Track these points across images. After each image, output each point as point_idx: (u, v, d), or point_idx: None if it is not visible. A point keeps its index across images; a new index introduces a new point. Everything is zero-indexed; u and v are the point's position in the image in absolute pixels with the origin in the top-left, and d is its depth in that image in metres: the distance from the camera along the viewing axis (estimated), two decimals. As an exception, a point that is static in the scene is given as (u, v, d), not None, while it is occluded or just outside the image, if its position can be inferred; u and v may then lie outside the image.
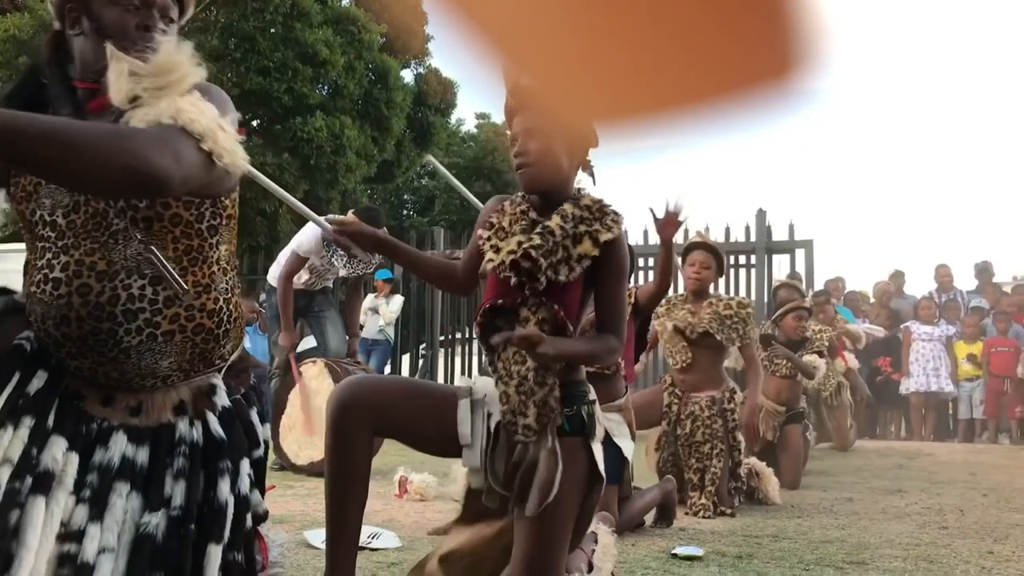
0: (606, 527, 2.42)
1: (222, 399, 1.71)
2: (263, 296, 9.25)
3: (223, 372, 1.74)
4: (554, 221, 1.96)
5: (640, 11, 0.65)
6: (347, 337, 5.74)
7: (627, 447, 3.39)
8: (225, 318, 1.67)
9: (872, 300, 10.16)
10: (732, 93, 0.69)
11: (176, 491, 1.59)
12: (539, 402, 1.90)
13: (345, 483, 1.96)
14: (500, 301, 1.97)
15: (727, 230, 10.20)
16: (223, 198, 1.66)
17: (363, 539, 2.70)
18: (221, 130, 1.53)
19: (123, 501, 1.55)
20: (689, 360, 4.19)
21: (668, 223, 3.45)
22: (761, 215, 9.97)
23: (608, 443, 3.34)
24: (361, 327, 8.47)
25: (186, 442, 1.63)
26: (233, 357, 1.75)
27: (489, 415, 1.98)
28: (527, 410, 1.90)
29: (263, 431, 1.79)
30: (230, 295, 1.69)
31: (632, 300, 3.55)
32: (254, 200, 14.13)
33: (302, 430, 5.06)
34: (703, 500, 3.93)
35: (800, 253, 9.83)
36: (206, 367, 1.68)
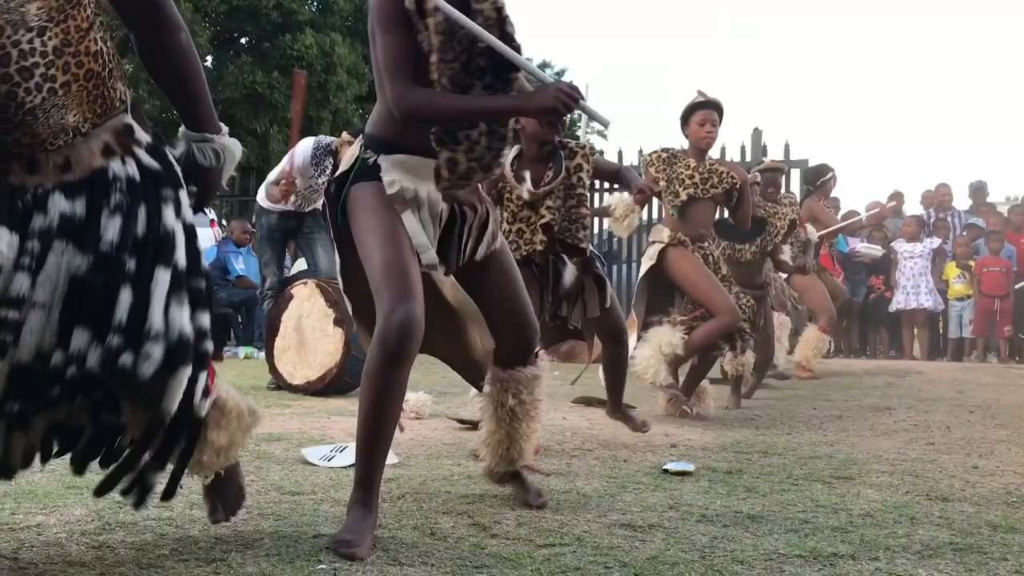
0: None
1: (143, 135, 1.66)
2: (255, 218, 9.22)
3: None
4: None
5: None
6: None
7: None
8: (107, 58, 1.60)
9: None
10: None
11: (110, 226, 1.55)
12: None
13: (389, 413, 2.00)
14: None
15: (723, 149, 10.10)
16: None
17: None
18: None
19: (57, 257, 1.52)
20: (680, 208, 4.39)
21: None
22: (757, 134, 9.87)
23: None
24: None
25: (121, 179, 1.59)
26: (129, 99, 1.68)
27: (419, 208, 2.13)
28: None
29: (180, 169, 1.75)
30: (107, 35, 1.61)
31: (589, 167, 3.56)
32: (244, 120, 13.92)
33: (296, 351, 5.10)
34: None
35: (795, 173, 9.76)
36: (111, 112, 1.63)
